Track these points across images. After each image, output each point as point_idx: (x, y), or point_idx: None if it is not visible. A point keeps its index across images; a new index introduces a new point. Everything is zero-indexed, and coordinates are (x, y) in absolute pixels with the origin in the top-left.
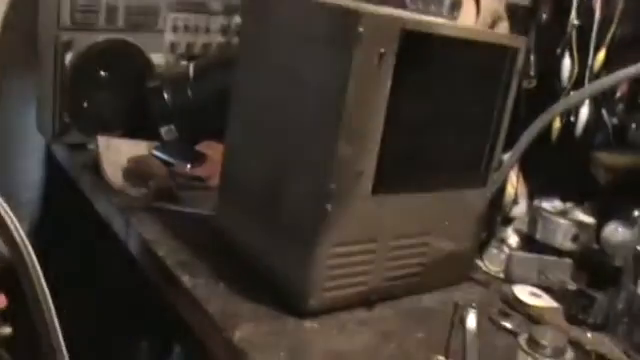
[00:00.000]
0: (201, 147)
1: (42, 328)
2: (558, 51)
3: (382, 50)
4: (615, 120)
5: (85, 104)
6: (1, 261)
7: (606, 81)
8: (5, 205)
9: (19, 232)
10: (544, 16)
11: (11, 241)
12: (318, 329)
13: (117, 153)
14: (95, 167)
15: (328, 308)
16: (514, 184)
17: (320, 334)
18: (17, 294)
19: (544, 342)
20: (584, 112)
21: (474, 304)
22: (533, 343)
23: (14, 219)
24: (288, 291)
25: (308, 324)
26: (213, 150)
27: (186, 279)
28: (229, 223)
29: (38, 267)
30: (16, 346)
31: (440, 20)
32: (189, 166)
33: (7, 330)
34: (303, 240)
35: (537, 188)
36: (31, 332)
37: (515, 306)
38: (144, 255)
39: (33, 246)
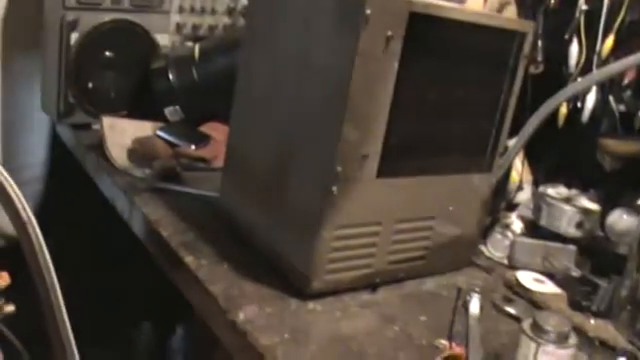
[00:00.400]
0: (206, 128)
1: (46, 306)
2: (566, 36)
3: (389, 33)
4: (622, 107)
5: (90, 84)
6: (4, 239)
7: (614, 67)
8: (13, 183)
9: (26, 211)
10: (552, 0)
11: (18, 219)
12: (321, 311)
13: (122, 134)
14: (100, 147)
15: (332, 290)
16: (519, 170)
17: (323, 316)
18: (20, 272)
19: (548, 327)
20: (591, 98)
21: (477, 289)
22: (537, 328)
23: (21, 197)
24: (292, 273)
25: (311, 306)
26: (218, 131)
27: (190, 260)
28: (233, 204)
29: (44, 246)
30: (18, 324)
31: (448, 3)
32: (194, 147)
33: (10, 308)
34: (307, 222)
35: (542, 174)
36: (33, 310)
37: (518, 292)
38: (148, 236)
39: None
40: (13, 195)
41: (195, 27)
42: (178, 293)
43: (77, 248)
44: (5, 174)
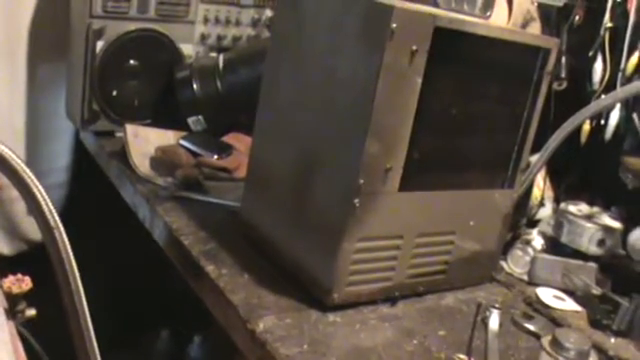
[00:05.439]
0: (228, 138)
1: (70, 311)
2: (590, 53)
3: (414, 47)
4: None
5: (114, 92)
6: (27, 244)
7: (639, 85)
8: (41, 188)
9: (54, 216)
10: (577, 17)
11: (45, 224)
12: (341, 323)
13: (145, 142)
14: (122, 155)
15: (352, 302)
16: (541, 186)
17: (343, 328)
18: (42, 276)
19: (568, 344)
20: (614, 116)
21: (497, 305)
22: (557, 345)
23: (49, 202)
24: (312, 284)
25: (331, 317)
26: (240, 142)
27: (211, 269)
28: (255, 214)
29: (70, 251)
30: (40, 328)
31: (473, 19)
32: (216, 157)
33: (32, 312)
34: (329, 234)
35: (564, 191)
36: (55, 315)
37: (538, 308)
38: (169, 244)
39: None
40: (41, 200)
41: (219, 38)
42: (197, 302)
43: (98, 254)
44: (33, 178)
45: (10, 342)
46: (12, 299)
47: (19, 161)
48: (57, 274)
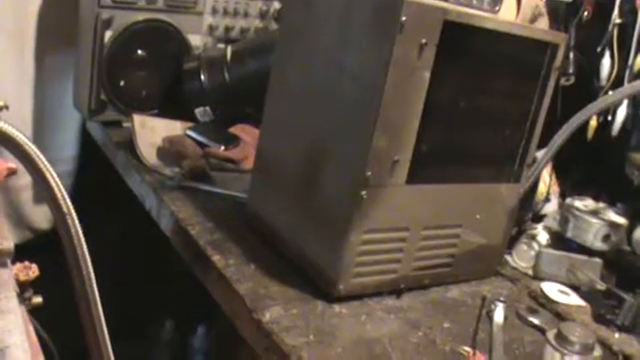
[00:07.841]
0: (235, 130)
1: (82, 298)
2: (598, 49)
3: (423, 40)
4: None
5: (122, 82)
6: (34, 233)
7: None
8: (54, 174)
9: (66, 202)
10: (585, 13)
11: (58, 210)
12: (346, 314)
13: (152, 132)
14: (130, 145)
15: (357, 294)
16: (547, 181)
17: (348, 319)
18: (47, 265)
19: (572, 338)
20: (621, 112)
21: (502, 298)
22: (561, 338)
23: (62, 188)
24: (318, 275)
25: (337, 309)
26: (247, 133)
27: (217, 259)
28: (262, 206)
29: (82, 238)
30: (46, 316)
31: (481, 13)
32: (223, 148)
33: (38, 299)
34: (336, 225)
35: (570, 186)
36: (59, 303)
37: (543, 303)
38: (176, 234)
39: None
40: (54, 185)
41: (227, 29)
42: (201, 292)
43: (104, 244)
44: (46, 164)
45: (23, 325)
46: (19, 286)
47: (32, 146)
48: (69, 260)
